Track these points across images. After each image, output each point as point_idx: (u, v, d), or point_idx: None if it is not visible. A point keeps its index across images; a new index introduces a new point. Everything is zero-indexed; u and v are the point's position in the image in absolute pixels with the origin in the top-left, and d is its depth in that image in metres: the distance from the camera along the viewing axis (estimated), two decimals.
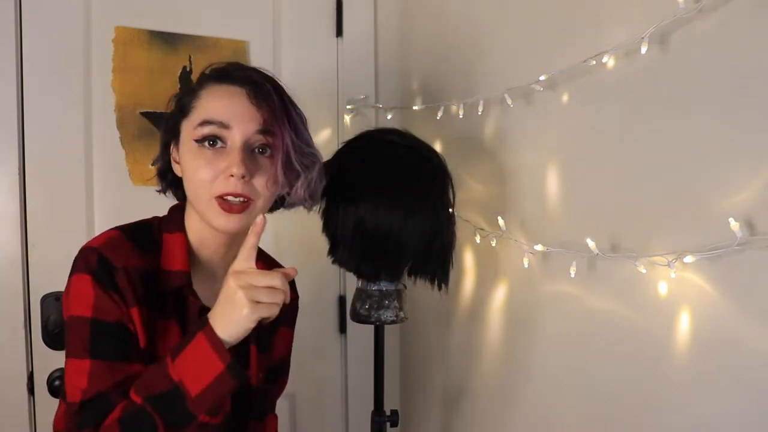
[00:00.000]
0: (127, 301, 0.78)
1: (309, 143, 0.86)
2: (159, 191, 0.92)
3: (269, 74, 0.86)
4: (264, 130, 0.80)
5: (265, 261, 1.01)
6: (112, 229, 0.84)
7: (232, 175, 0.78)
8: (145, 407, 0.72)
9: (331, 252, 1.10)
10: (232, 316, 0.72)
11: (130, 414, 0.73)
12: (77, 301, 0.77)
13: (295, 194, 0.86)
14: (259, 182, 0.81)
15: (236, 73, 0.84)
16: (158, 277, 0.82)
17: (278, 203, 0.91)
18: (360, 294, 1.16)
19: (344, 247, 1.06)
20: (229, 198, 0.79)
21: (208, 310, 0.77)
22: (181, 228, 0.86)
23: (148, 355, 0.80)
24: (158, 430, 0.72)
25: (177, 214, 0.88)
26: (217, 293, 0.76)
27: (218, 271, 0.90)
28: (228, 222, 0.80)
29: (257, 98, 0.80)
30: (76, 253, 0.81)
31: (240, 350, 0.81)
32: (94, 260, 0.77)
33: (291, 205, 0.92)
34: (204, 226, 0.84)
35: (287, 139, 0.81)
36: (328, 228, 1.09)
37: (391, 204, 1.03)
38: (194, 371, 0.71)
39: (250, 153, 0.81)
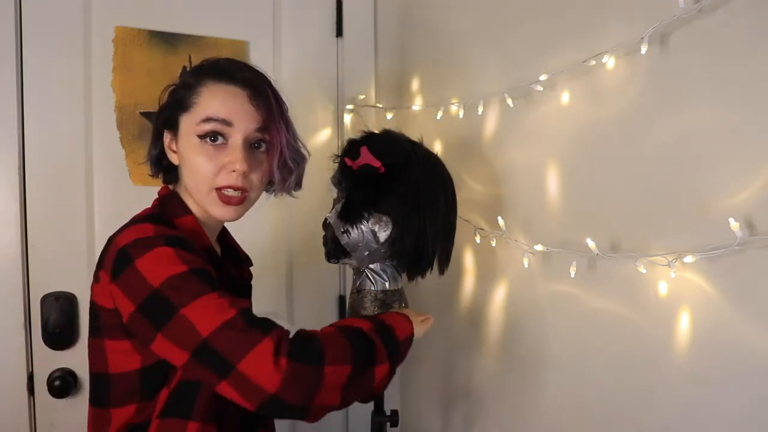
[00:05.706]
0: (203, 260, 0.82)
1: (298, 140, 0.96)
2: (151, 175, 0.97)
3: (261, 72, 0.92)
4: (262, 128, 0.88)
5: (238, 249, 1.10)
6: (140, 223, 0.83)
7: (234, 170, 0.85)
8: (368, 333, 0.84)
9: (416, 266, 1.07)
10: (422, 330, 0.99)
11: (350, 330, 0.83)
12: (164, 267, 0.77)
13: (287, 187, 0.97)
14: (256, 176, 0.89)
15: (236, 74, 0.89)
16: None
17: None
18: (358, 294, 1.16)
19: (428, 260, 1.06)
20: (229, 191, 0.87)
21: (237, 274, 1.01)
22: (188, 211, 0.92)
23: None
24: (375, 346, 0.84)
25: (175, 200, 0.92)
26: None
27: (216, 235, 1.00)
28: (226, 212, 0.88)
29: (257, 100, 0.87)
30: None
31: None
32: (162, 238, 0.79)
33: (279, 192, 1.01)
34: (202, 209, 0.92)
35: (283, 139, 0.89)
36: (404, 241, 1.02)
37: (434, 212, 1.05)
38: (400, 327, 0.91)
39: (248, 149, 0.88)
